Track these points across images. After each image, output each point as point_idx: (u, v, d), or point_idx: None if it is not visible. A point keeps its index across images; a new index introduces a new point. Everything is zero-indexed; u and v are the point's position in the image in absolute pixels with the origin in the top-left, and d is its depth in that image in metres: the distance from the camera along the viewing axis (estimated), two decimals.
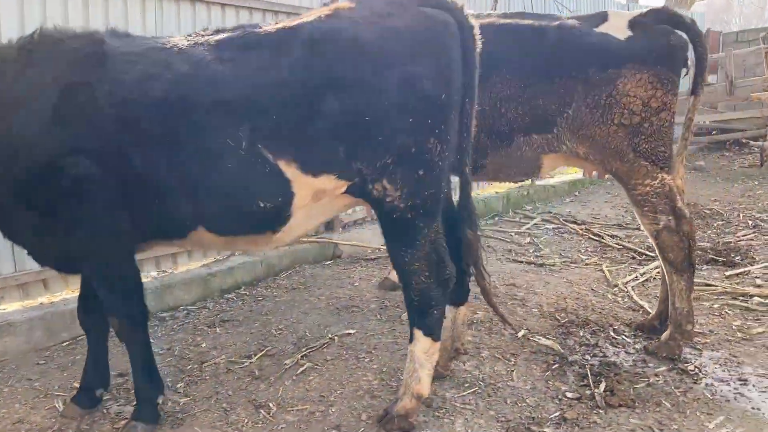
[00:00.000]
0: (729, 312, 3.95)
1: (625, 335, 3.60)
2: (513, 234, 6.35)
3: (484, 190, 7.81)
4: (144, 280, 4.34)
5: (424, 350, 2.77)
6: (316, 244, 5.27)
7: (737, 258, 5.12)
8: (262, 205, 2.48)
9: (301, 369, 3.22)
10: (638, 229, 5.83)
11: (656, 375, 3.13)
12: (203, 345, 3.59)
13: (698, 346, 3.46)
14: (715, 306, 4.05)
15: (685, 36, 3.28)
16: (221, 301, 4.37)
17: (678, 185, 3.39)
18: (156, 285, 4.22)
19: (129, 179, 2.45)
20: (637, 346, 3.46)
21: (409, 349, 2.75)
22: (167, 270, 4.55)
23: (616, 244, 5.76)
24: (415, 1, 2.67)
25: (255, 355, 3.41)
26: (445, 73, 2.62)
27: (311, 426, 2.76)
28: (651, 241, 3.44)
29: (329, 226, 5.57)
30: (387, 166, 2.56)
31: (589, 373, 3.11)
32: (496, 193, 7.70)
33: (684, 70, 3.33)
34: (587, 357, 3.31)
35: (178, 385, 3.14)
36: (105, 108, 2.40)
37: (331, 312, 3.99)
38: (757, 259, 5.08)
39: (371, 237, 5.44)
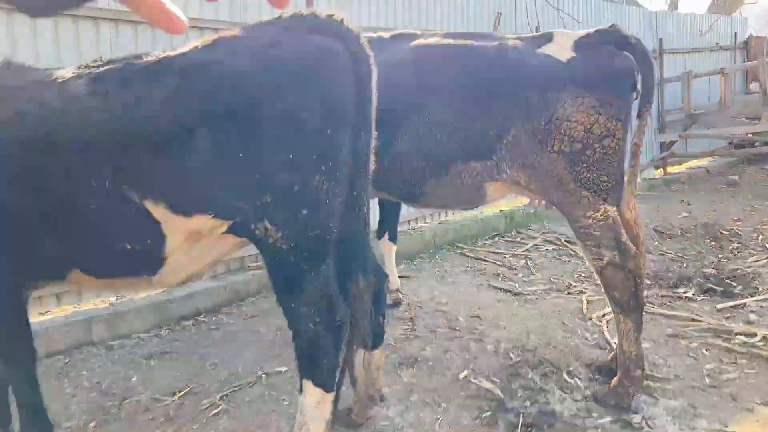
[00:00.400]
0: (706, 353, 3.60)
1: (580, 378, 3.31)
2: (508, 256, 6.08)
3: (486, 208, 7.56)
4: (99, 305, 4.39)
5: (315, 402, 2.58)
6: None
7: (738, 288, 4.72)
8: (130, 247, 2.35)
9: (215, 411, 3.07)
10: (649, 253, 5.48)
11: (596, 428, 2.85)
12: (133, 379, 3.49)
13: (656, 394, 3.15)
14: (693, 345, 3.71)
15: (631, 57, 3.01)
16: (177, 329, 4.29)
17: (628, 218, 3.12)
18: (110, 312, 4.18)
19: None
20: (588, 391, 3.17)
21: (300, 400, 2.58)
22: (126, 296, 4.50)
23: None
24: (305, 28, 2.51)
25: (178, 393, 3.29)
26: (332, 106, 2.45)
27: None
28: (597, 277, 3.18)
29: None
30: (267, 205, 2.39)
31: (521, 423, 2.86)
32: (500, 211, 7.43)
33: (633, 94, 3.06)
34: (527, 403, 3.05)
35: (90, 425, 3.04)
36: None
37: (275, 345, 3.84)
38: (760, 289, 4.67)
39: None
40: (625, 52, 3.04)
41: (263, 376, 3.45)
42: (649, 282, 4.90)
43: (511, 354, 3.63)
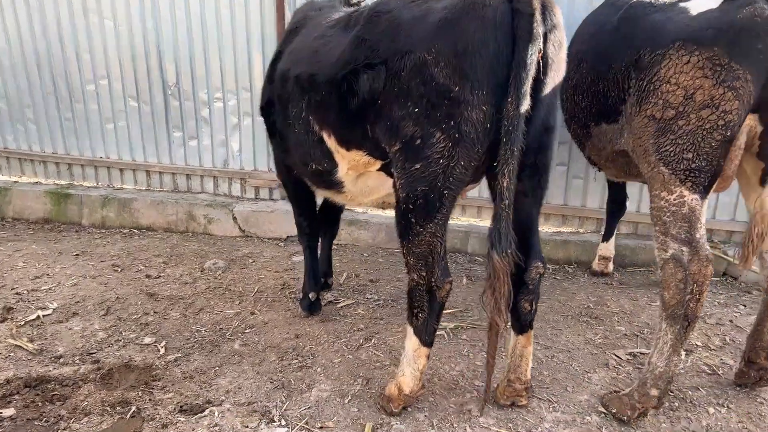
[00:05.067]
0: None
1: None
2: None
3: None
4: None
5: (412, 348, 2.89)
6: None
7: None
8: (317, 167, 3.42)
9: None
10: None
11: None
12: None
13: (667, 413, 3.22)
14: None
15: None
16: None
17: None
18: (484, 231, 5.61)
19: None
20: None
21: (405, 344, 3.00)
22: None
23: None
24: None
25: (447, 310, 4.52)
26: (462, 64, 2.45)
27: (355, 369, 3.68)
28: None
29: None
30: (396, 152, 2.64)
31: None
32: None
33: None
34: None
35: (376, 303, 4.64)
36: None
37: None
38: None
39: None
40: None
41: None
42: None
43: None
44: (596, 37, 3.73)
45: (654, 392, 3.07)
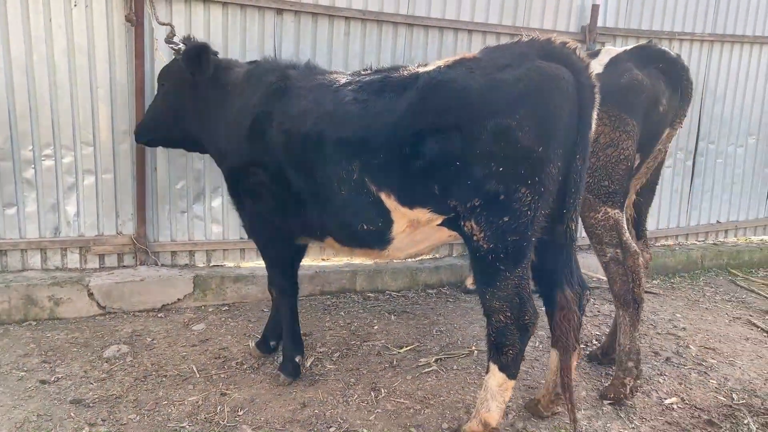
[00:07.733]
0: None
1: None
2: None
3: None
4: (365, 261, 5.81)
5: (497, 384, 3.04)
6: None
7: None
8: (367, 227, 3.39)
9: (427, 370, 4.25)
10: None
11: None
12: (375, 327, 5.07)
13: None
14: None
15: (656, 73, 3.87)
16: (422, 294, 5.92)
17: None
18: (372, 268, 5.95)
19: None
20: None
21: (485, 379, 3.14)
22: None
23: None
24: (538, 53, 2.85)
25: (405, 347, 4.67)
26: (546, 128, 2.76)
27: (395, 421, 3.62)
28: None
29: None
30: (475, 208, 2.83)
31: None
32: None
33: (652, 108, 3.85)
34: None
35: (335, 354, 4.54)
36: None
37: None
38: None
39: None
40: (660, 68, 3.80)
41: (476, 351, 4.50)
42: None
43: (734, 395, 3.99)
44: None
45: (630, 364, 3.79)
